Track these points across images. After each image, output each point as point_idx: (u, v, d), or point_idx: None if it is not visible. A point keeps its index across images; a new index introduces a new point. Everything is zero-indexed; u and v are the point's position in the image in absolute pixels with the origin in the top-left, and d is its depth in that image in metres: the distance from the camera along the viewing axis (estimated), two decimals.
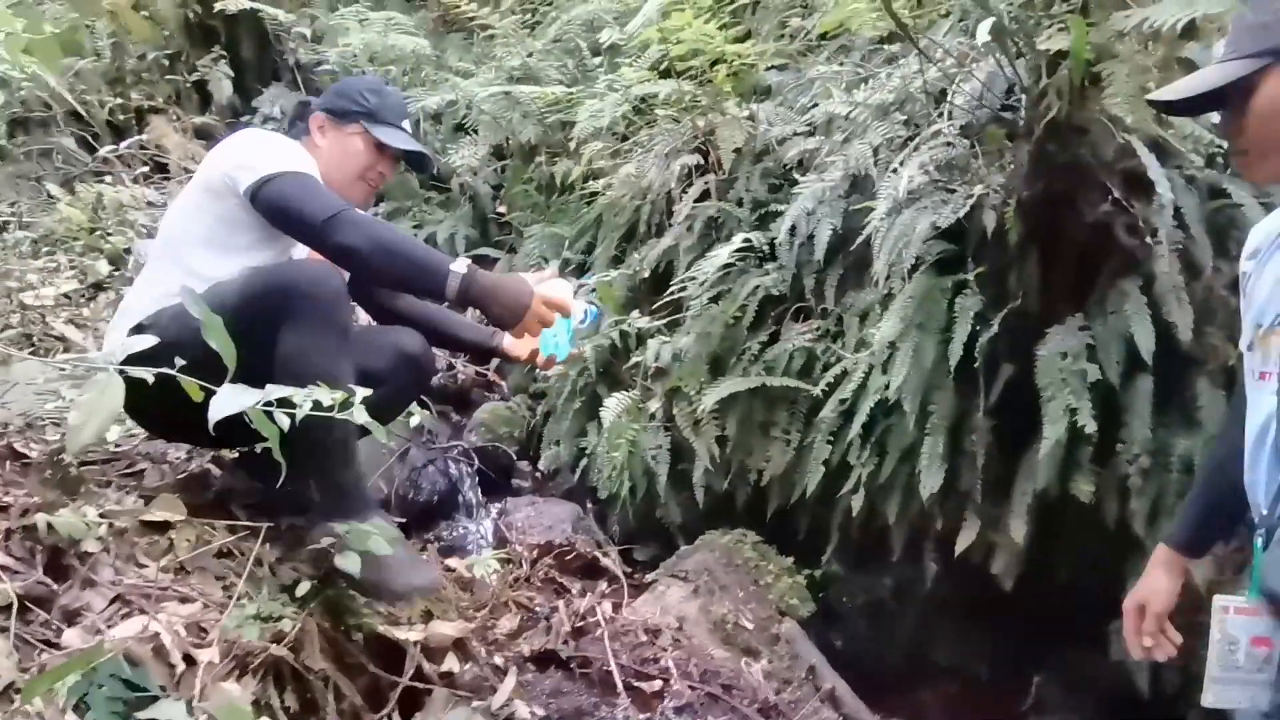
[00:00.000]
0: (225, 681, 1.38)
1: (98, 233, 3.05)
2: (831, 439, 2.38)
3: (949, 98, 2.30)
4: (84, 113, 4.21)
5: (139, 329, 1.53)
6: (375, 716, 1.63)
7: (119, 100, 4.73)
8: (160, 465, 1.87)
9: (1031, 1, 1.81)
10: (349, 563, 1.36)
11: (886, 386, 2.18)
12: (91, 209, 3.10)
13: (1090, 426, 1.88)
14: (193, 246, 1.65)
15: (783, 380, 2.47)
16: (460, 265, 1.53)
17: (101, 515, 1.52)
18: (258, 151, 1.63)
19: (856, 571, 2.52)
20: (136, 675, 1.23)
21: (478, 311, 1.70)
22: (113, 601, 1.35)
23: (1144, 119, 1.65)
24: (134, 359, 1.39)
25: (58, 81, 3.79)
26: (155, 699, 1.22)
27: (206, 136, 4.93)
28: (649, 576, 2.51)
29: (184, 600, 1.44)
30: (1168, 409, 1.92)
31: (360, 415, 1.23)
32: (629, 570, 2.64)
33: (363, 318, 2.31)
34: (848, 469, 2.35)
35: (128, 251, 2.88)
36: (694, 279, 2.61)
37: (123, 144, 3.98)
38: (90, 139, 4.44)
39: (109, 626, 1.29)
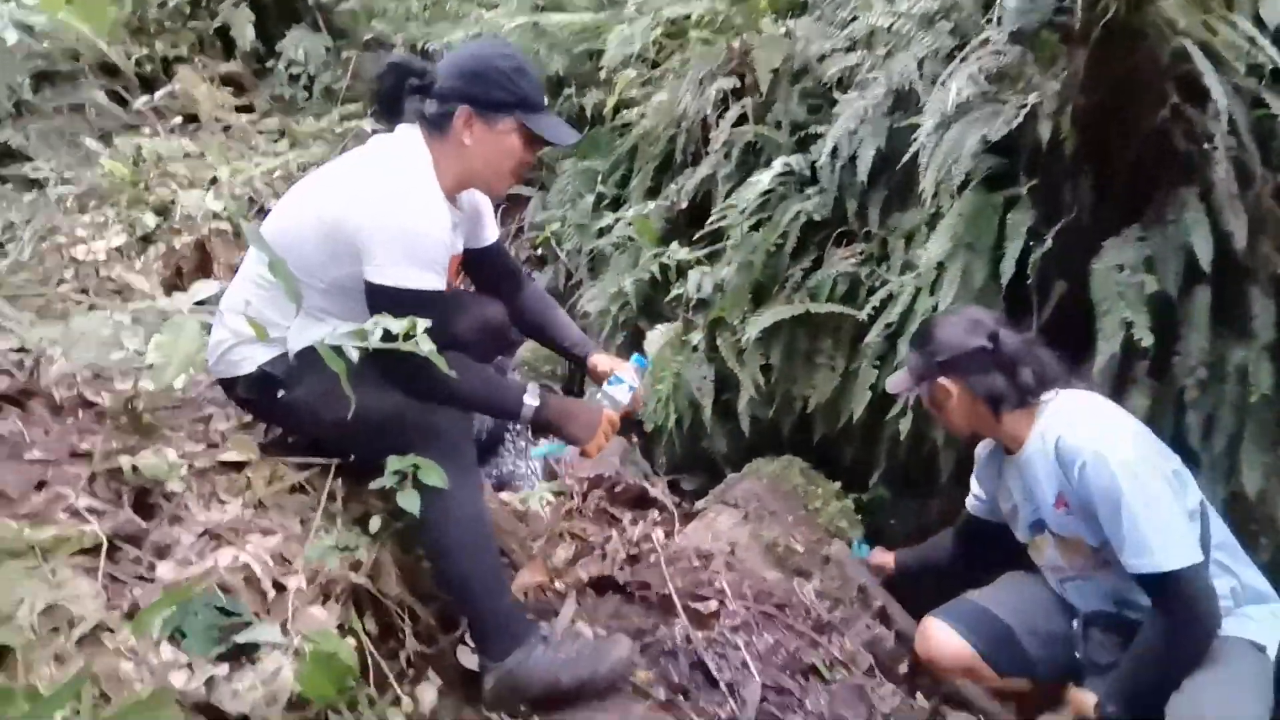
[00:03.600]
0: (312, 607, 1.46)
1: (140, 185, 3.09)
2: (878, 364, 2.37)
3: (998, 3, 2.20)
4: (118, 64, 4.20)
5: (270, 370, 1.61)
6: (449, 636, 1.72)
7: (145, 51, 4.71)
8: (225, 409, 1.93)
9: None
10: (409, 500, 1.41)
11: (934, 308, 2.15)
12: (131, 161, 3.13)
13: (1147, 340, 1.85)
14: (311, 294, 1.56)
15: (827, 306, 2.45)
16: (532, 398, 1.66)
17: (182, 456, 1.59)
18: (399, 244, 1.49)
19: (904, 495, 2.54)
20: (230, 603, 1.31)
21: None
22: (201, 536, 1.43)
23: (1196, 23, 1.56)
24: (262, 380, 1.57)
25: (91, 32, 3.78)
26: (249, 624, 1.30)
27: (233, 84, 4.92)
28: (698, 505, 2.56)
29: (265, 533, 1.51)
30: (1222, 320, 1.88)
31: (426, 345, 1.25)
32: (677, 500, 2.70)
33: None
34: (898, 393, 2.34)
35: (173, 203, 2.92)
36: (733, 207, 2.58)
37: (156, 95, 3.98)
38: (120, 91, 4.45)
39: (199, 559, 1.37)
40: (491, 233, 1.90)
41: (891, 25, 2.51)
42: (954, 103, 2.06)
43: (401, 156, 1.60)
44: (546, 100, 1.69)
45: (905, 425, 2.30)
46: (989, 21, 2.23)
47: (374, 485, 1.51)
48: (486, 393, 1.65)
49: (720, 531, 2.32)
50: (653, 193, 3.19)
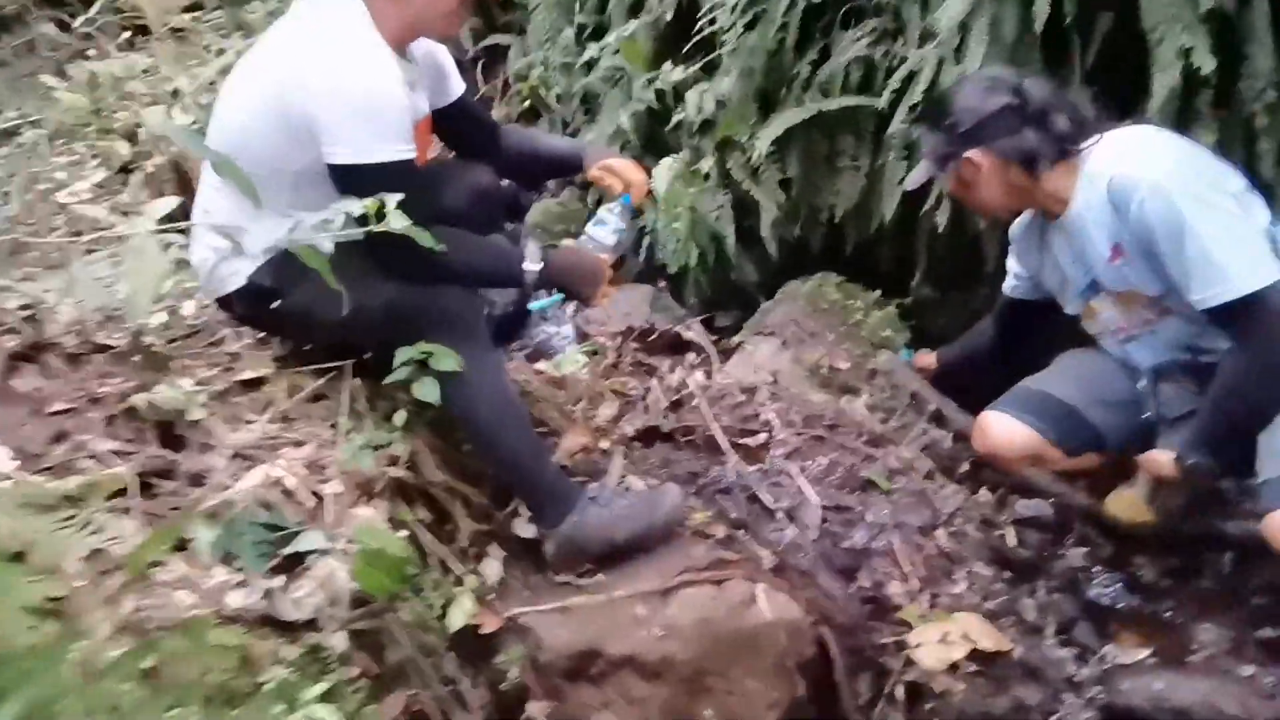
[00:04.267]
0: (357, 507, 1.47)
1: (103, 113, 2.94)
2: (906, 155, 2.17)
3: None
4: None
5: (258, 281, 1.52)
6: (504, 511, 1.73)
7: None
8: (239, 330, 1.89)
9: None
10: (427, 390, 1.36)
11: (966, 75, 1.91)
12: (88, 89, 2.96)
13: (1208, 66, 1.61)
14: (280, 188, 1.44)
15: (841, 101, 2.23)
16: (533, 262, 1.58)
17: (197, 384, 1.57)
18: (351, 116, 1.36)
19: (950, 291, 2.41)
20: (273, 517, 1.31)
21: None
22: (233, 458, 1.42)
23: None
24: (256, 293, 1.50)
25: None
26: (295, 534, 1.31)
27: None
28: (734, 340, 2.49)
29: (297, 445, 1.50)
30: None
31: (399, 222, 1.15)
32: (714, 339, 2.63)
33: None
34: (927, 185, 2.16)
35: (138, 126, 2.77)
36: (722, 5, 2.30)
37: (93, 9, 3.72)
38: (67, 19, 4.18)
39: (234, 481, 1.36)
40: (456, 85, 1.73)
41: None
42: None
43: (334, 15, 1.42)
44: None
45: (942, 218, 2.13)
46: None
47: (388, 380, 1.47)
48: (483, 263, 1.56)
49: (760, 363, 2.25)
50: (635, 10, 2.89)
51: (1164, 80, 1.64)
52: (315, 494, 1.38)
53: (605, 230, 1.74)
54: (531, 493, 1.61)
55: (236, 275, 1.54)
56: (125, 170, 2.77)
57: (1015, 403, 1.70)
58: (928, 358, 2.18)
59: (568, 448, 1.98)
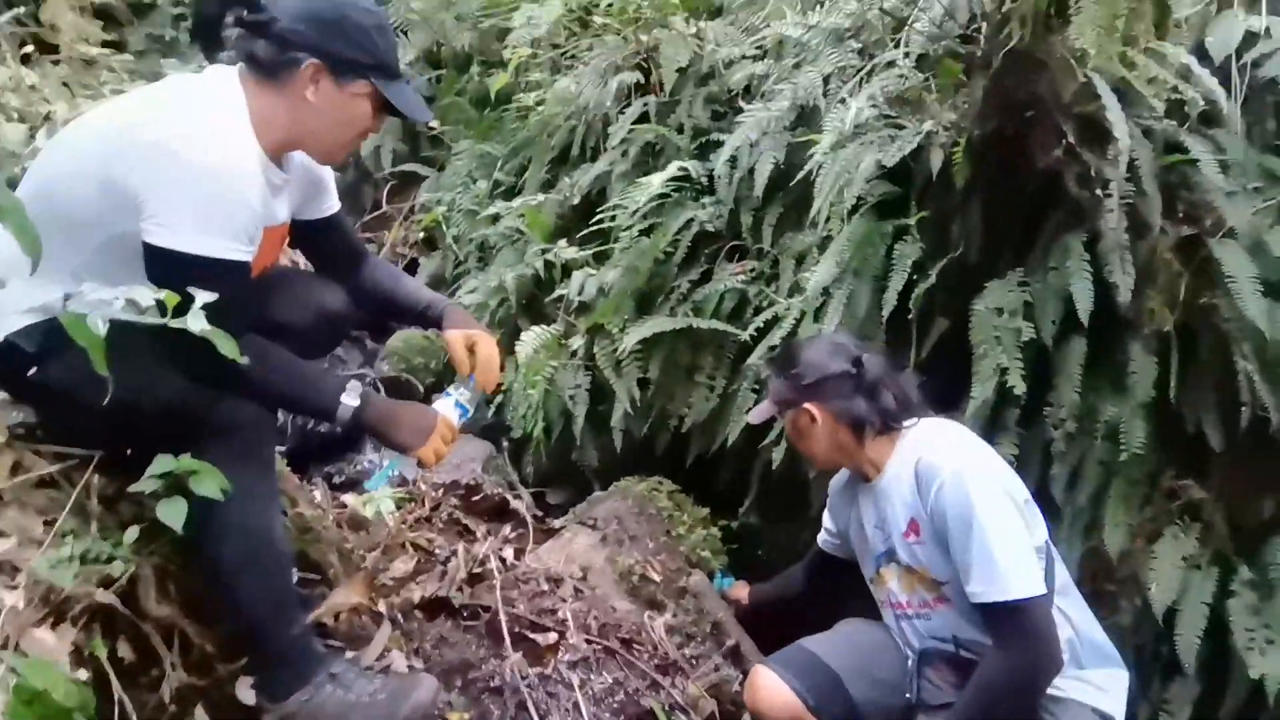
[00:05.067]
0: (39, 629, 1.21)
1: None
2: (757, 388, 2.26)
3: (908, 25, 2.12)
4: None
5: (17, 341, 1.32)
6: (229, 666, 1.48)
7: None
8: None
9: None
10: (172, 512, 1.18)
11: (818, 334, 2.05)
12: None
13: (1020, 388, 1.79)
14: (78, 247, 1.30)
15: (711, 322, 2.33)
16: (352, 398, 1.42)
17: None
18: (185, 196, 1.25)
19: (776, 524, 2.44)
20: None
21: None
22: None
23: (1109, 57, 1.50)
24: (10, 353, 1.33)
25: None
26: None
27: (105, 17, 4.44)
28: (558, 522, 2.39)
29: None
30: (1098, 372, 1.84)
31: (196, 323, 1.03)
32: (540, 515, 2.52)
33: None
34: (771, 421, 2.23)
35: None
36: (624, 207, 2.42)
37: (3, 16, 3.52)
38: None
39: None
40: (332, 203, 1.67)
41: (801, 37, 2.42)
42: (852, 123, 1.97)
43: (209, 98, 1.35)
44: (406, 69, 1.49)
45: (778, 455, 2.19)
46: (896, 44, 2.16)
47: (133, 489, 1.27)
48: (290, 387, 1.42)
49: (575, 554, 2.15)
50: (548, 185, 3.01)
51: (980, 390, 1.80)
52: None
53: (448, 404, 1.62)
54: (262, 654, 1.38)
55: None
56: None
57: (787, 661, 1.69)
58: (741, 590, 2.17)
59: (335, 603, 1.76)
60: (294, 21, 1.36)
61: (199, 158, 1.25)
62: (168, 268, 1.22)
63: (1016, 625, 1.44)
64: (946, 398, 1.99)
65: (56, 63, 3.83)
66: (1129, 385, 1.80)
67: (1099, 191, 1.71)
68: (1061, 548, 1.84)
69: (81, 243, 1.29)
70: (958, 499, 1.48)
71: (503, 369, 2.74)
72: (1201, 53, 1.75)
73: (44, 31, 4.10)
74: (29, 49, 3.73)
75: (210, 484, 1.26)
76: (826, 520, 1.91)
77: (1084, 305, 1.76)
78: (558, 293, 2.66)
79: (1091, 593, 1.79)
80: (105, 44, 4.11)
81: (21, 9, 3.62)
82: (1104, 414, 1.83)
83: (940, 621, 1.59)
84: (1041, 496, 1.90)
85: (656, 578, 2.12)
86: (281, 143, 1.42)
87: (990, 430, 1.90)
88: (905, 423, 1.64)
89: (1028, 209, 1.90)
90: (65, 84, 3.11)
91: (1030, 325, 1.82)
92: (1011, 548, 1.46)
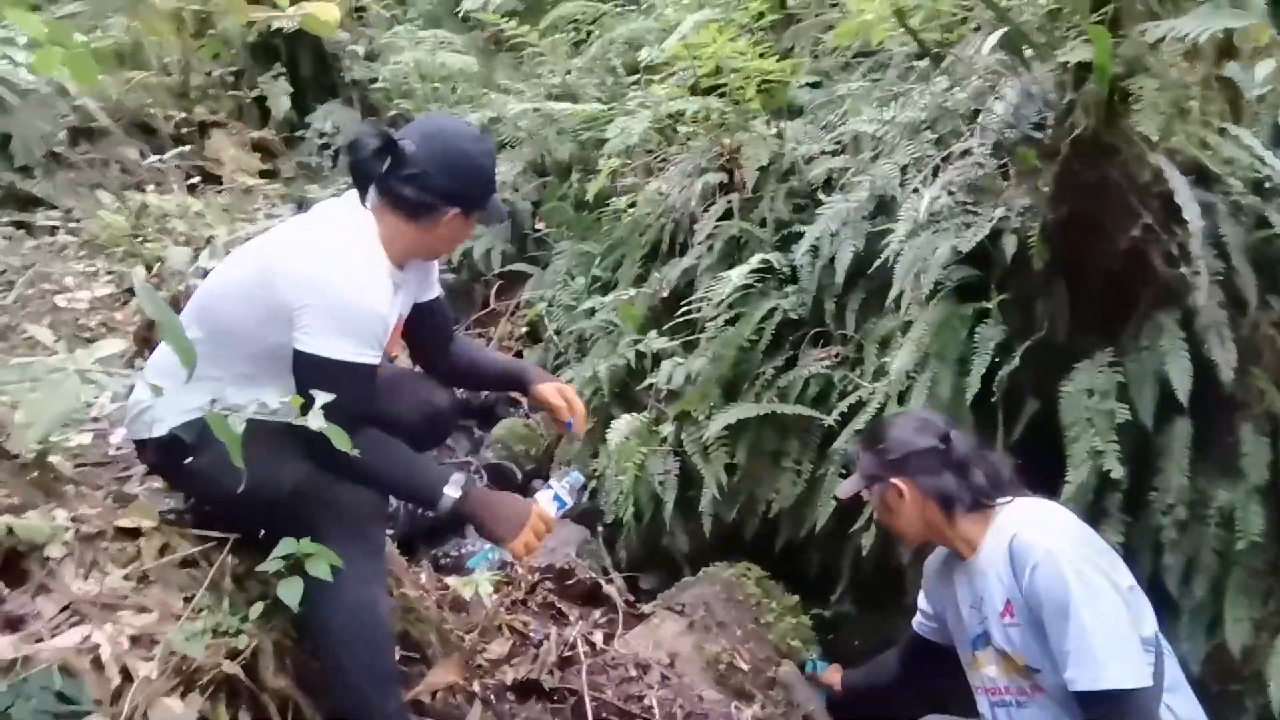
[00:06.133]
0: (169, 697, 1.36)
1: (139, 239, 3.15)
2: (844, 472, 2.25)
3: (982, 115, 2.17)
4: (148, 124, 4.39)
5: (179, 434, 1.53)
6: None
7: (183, 114, 4.95)
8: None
9: (1058, 11, 1.68)
10: (289, 591, 1.32)
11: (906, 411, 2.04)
12: (134, 216, 3.20)
13: (1117, 471, 1.72)
14: (242, 356, 1.53)
15: (795, 408, 2.36)
16: (454, 489, 1.56)
17: (73, 519, 1.53)
18: (327, 312, 1.46)
19: (868, 612, 2.37)
20: (69, 687, 1.21)
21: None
22: (64, 609, 1.34)
23: (1178, 138, 1.50)
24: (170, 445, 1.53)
25: (117, 93, 3.97)
26: (88, 713, 1.20)
27: (263, 150, 5.11)
28: (647, 607, 2.41)
29: (141, 610, 1.42)
30: (1207, 456, 1.74)
31: (315, 421, 1.19)
32: (631, 599, 2.55)
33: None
34: (861, 504, 2.21)
35: (160, 260, 2.96)
36: (708, 299, 2.53)
37: (168, 154, 4.13)
38: (154, 151, 4.64)
39: (53, 635, 1.28)
40: (434, 289, 1.87)
41: (878, 132, 2.50)
42: (926, 211, 2.01)
43: (348, 224, 1.58)
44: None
45: (868, 539, 2.16)
46: (972, 133, 2.21)
47: (260, 568, 1.43)
48: (397, 475, 1.57)
49: (663, 640, 2.17)
50: (640, 280, 3.16)
51: (1075, 475, 1.74)
52: (124, 671, 1.28)
53: (548, 497, 1.72)
54: None
55: (160, 424, 1.57)
56: (132, 293, 2.92)
57: None
58: (834, 675, 2.13)
59: (433, 682, 1.86)
60: (436, 174, 1.56)
61: (340, 281, 1.48)
62: (309, 369, 1.44)
63: (1118, 712, 1.35)
64: (1042, 482, 1.93)
65: (219, 191, 4.43)
66: (1242, 468, 1.69)
67: (1186, 269, 1.67)
68: (1183, 646, 1.71)
69: (237, 350, 1.52)
70: (1053, 580, 1.41)
71: (595, 455, 2.90)
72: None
73: (209, 164, 4.78)
74: (195, 180, 4.35)
75: (322, 565, 1.40)
76: (922, 602, 1.85)
77: (1182, 384, 1.69)
78: (648, 381, 2.76)
79: (1219, 693, 1.65)
80: (261, 173, 4.73)
81: (188, 146, 4.22)
82: (1216, 499, 1.72)
83: (1037, 711, 1.50)
84: (1155, 589, 1.79)
85: (745, 667, 2.10)
86: (403, 254, 1.64)
87: (1092, 517, 1.81)
88: (999, 500, 1.60)
89: (1115, 289, 1.86)
90: (226, 210, 3.58)
91: (1125, 407, 1.76)
92: (1111, 632, 1.38)
